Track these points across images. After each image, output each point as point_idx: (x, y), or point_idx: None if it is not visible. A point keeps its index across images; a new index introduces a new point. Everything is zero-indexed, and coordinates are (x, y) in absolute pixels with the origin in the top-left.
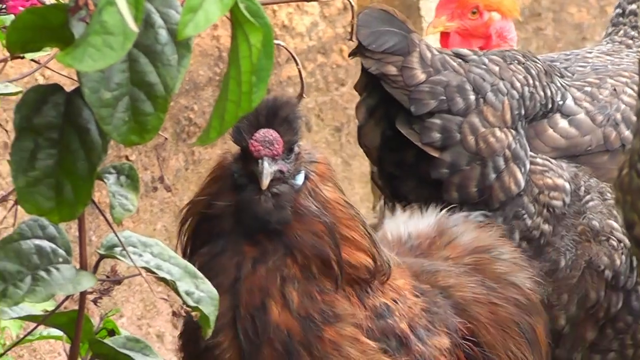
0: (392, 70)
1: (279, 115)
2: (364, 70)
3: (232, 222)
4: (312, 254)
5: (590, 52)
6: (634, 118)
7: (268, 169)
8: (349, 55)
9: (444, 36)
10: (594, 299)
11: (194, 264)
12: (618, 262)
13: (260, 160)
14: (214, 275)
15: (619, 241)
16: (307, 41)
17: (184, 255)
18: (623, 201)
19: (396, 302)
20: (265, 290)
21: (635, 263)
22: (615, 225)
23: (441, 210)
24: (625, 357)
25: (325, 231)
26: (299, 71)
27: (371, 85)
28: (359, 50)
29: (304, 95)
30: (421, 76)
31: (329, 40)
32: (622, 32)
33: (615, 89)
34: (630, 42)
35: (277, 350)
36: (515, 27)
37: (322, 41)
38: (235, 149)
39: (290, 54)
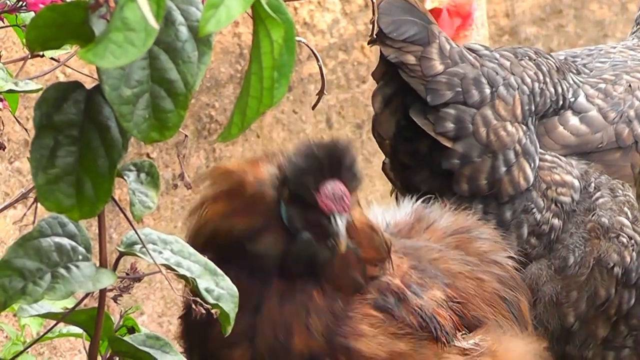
0: (411, 59)
1: (343, 165)
2: (382, 58)
3: (272, 262)
4: (341, 284)
5: (614, 48)
6: None
7: (343, 229)
8: (368, 44)
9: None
10: (604, 296)
11: None
12: (628, 259)
13: (332, 218)
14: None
15: (630, 238)
16: (329, 38)
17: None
18: None
19: (389, 263)
20: (288, 326)
21: None
22: (626, 222)
23: (423, 201)
24: None
25: (356, 261)
26: (320, 68)
27: (389, 74)
28: (379, 38)
29: (325, 92)
30: (439, 67)
31: (350, 37)
32: None
33: (630, 85)
34: None
35: None
36: (536, 24)
37: (344, 38)
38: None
39: (312, 50)
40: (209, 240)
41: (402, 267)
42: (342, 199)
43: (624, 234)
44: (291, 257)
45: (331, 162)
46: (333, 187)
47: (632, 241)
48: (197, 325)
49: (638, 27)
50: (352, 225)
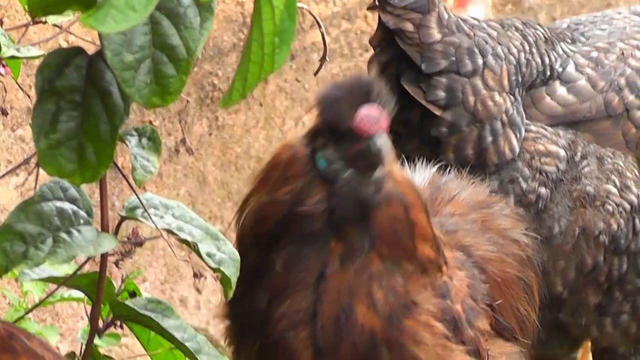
0: (409, 27)
1: (373, 90)
2: (380, 25)
3: (322, 219)
4: (393, 241)
5: (619, 13)
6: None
7: (385, 147)
8: (368, 9)
9: None
10: (591, 264)
11: (272, 262)
12: (615, 226)
13: (373, 139)
14: (297, 271)
15: (617, 205)
16: (332, 7)
17: (251, 251)
18: None
19: (451, 279)
20: (353, 291)
21: (639, 227)
22: (613, 189)
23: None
24: (639, 319)
25: (403, 215)
26: (322, 35)
27: (386, 41)
28: (379, 4)
29: (327, 59)
30: (437, 36)
31: (354, 6)
32: None
33: (623, 53)
34: None
35: (357, 349)
36: None
37: (347, 7)
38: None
39: (314, 17)
40: (257, 225)
41: (463, 289)
42: (378, 120)
43: (610, 202)
44: (338, 205)
45: (361, 89)
46: (368, 111)
47: (620, 208)
48: (254, 313)
49: None
50: (392, 175)
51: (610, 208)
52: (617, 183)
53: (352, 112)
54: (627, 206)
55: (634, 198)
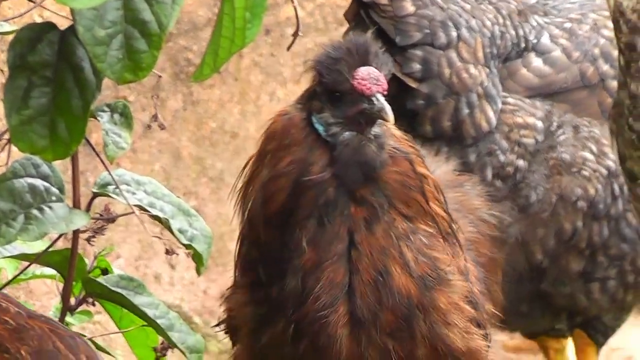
0: (384, 0)
1: (371, 52)
2: None
3: (333, 185)
4: (408, 198)
5: None
6: (614, 52)
7: (387, 104)
8: None
9: None
10: (570, 230)
11: (297, 241)
12: (592, 191)
13: (374, 97)
14: (325, 244)
15: (594, 171)
16: None
17: (266, 232)
18: (617, 133)
19: (466, 261)
20: (385, 252)
21: (618, 191)
22: (590, 156)
23: None
24: (627, 284)
25: (411, 170)
26: (295, 10)
27: (360, 15)
28: None
29: (300, 34)
30: (410, 8)
31: None
32: None
33: (596, 24)
34: None
35: (397, 315)
36: None
37: None
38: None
39: None
40: (266, 204)
41: (474, 272)
42: (378, 79)
43: (586, 168)
44: (344, 168)
45: (359, 50)
46: (367, 71)
47: (597, 174)
48: (285, 295)
49: None
50: (391, 132)
51: (587, 174)
52: (594, 150)
53: (351, 73)
54: (604, 171)
55: (611, 163)
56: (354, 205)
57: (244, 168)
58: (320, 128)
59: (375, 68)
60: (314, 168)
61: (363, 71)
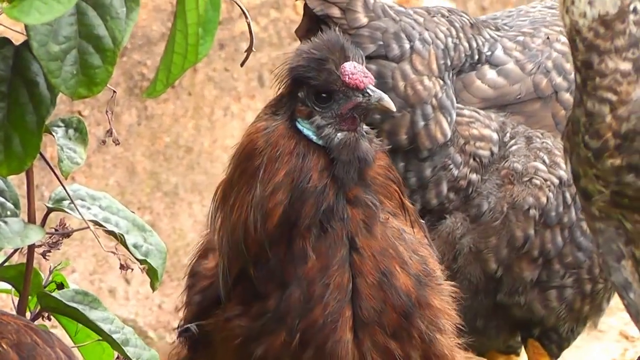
0: (336, 12)
1: (347, 47)
2: (306, 14)
3: (333, 188)
4: (389, 193)
5: (534, 7)
6: (567, 65)
7: (382, 93)
8: None
9: None
10: (522, 238)
11: (303, 248)
12: (544, 199)
13: (368, 89)
14: (329, 251)
15: (545, 180)
16: None
17: (272, 248)
18: (571, 152)
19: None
20: (385, 252)
21: (570, 200)
22: (541, 166)
23: None
24: (584, 293)
25: (389, 163)
26: (249, 25)
27: (312, 31)
28: None
29: (253, 49)
30: (363, 20)
31: None
32: None
33: (548, 37)
34: None
35: (399, 314)
36: None
37: None
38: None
39: (240, 7)
40: (264, 220)
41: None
42: (364, 72)
43: (537, 177)
44: (343, 170)
45: (336, 47)
46: (353, 65)
47: (548, 182)
48: (288, 306)
49: None
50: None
51: (538, 182)
52: (546, 160)
53: (339, 70)
54: (556, 181)
55: (563, 173)
56: (350, 208)
57: (216, 193)
58: (310, 133)
59: (357, 62)
60: (314, 175)
61: (349, 66)
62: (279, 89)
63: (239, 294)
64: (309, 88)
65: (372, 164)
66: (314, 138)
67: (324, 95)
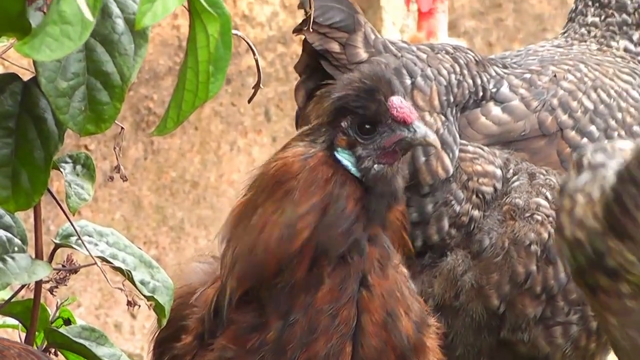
0: (336, 47)
1: (393, 81)
2: (305, 50)
3: (364, 220)
4: (401, 238)
5: (542, 47)
6: (573, 103)
7: (428, 129)
8: (294, 32)
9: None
10: (523, 274)
11: (319, 275)
12: (546, 235)
13: (414, 124)
14: (342, 282)
15: (547, 216)
16: (268, 31)
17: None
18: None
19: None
20: (393, 294)
21: None
22: (544, 202)
23: None
24: (590, 330)
25: (405, 209)
26: (256, 61)
27: (311, 67)
28: (306, 24)
29: (261, 86)
30: (364, 55)
31: (289, 30)
32: (572, 30)
33: (555, 75)
34: (581, 37)
35: (396, 356)
36: (475, 17)
37: (283, 31)
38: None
39: (248, 43)
40: (285, 243)
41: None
42: (410, 107)
43: (539, 213)
44: (375, 203)
45: (384, 79)
46: (399, 99)
47: (550, 218)
48: (293, 336)
49: (568, 25)
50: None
51: (540, 218)
52: (549, 196)
53: (387, 103)
54: None
55: None
56: (369, 245)
57: (236, 212)
58: (348, 164)
59: (403, 97)
60: (349, 204)
61: (396, 100)
62: (319, 117)
63: (231, 333)
64: (354, 118)
65: (400, 203)
66: (352, 169)
67: (367, 126)
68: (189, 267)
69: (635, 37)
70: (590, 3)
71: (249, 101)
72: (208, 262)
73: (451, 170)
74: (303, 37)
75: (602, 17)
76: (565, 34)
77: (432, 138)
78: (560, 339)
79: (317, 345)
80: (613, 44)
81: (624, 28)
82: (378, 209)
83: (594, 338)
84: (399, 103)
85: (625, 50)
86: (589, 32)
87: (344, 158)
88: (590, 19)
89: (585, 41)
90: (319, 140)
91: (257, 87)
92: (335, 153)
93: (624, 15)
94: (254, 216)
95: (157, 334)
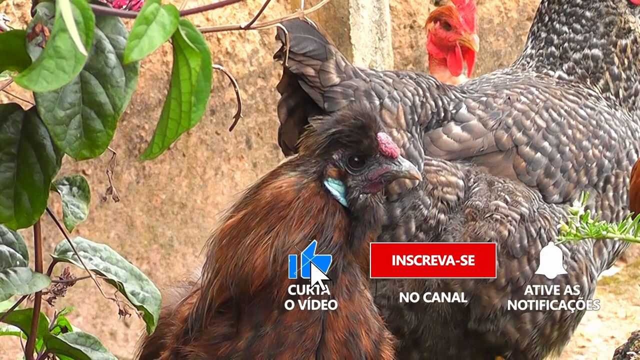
0: (311, 71)
1: (377, 119)
2: (285, 72)
3: (346, 249)
4: (365, 264)
5: (494, 74)
6: (527, 122)
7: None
8: (274, 57)
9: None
10: None
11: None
12: (506, 232)
13: (399, 159)
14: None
15: (506, 215)
16: (249, 66)
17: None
18: None
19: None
20: (356, 317)
21: (535, 234)
22: (502, 204)
23: None
24: (554, 319)
25: (373, 238)
26: (237, 94)
27: (292, 86)
28: (284, 52)
29: (242, 116)
30: (336, 79)
31: (268, 65)
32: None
33: (509, 98)
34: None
35: None
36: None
37: (262, 66)
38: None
39: (230, 78)
40: (275, 265)
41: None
42: (393, 143)
43: (498, 213)
44: (358, 232)
45: (371, 117)
46: (385, 135)
47: (509, 218)
48: (261, 347)
49: (520, 59)
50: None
51: (499, 217)
52: (507, 199)
53: (376, 138)
54: (517, 216)
55: (525, 210)
56: (341, 272)
57: (226, 230)
58: (338, 193)
59: (386, 133)
60: (335, 233)
61: (384, 136)
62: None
63: (204, 342)
64: (345, 152)
65: (376, 232)
66: (341, 199)
67: (357, 159)
68: (166, 291)
69: (564, 68)
70: (530, 35)
71: (231, 129)
72: (184, 287)
73: (417, 181)
74: (282, 63)
75: (536, 50)
76: (513, 65)
77: (415, 171)
78: (529, 325)
79: (284, 358)
80: (551, 73)
81: (551, 59)
82: (358, 237)
83: (557, 327)
84: (386, 139)
85: (560, 78)
86: (528, 62)
87: (334, 188)
88: (528, 51)
89: (526, 70)
90: (310, 170)
91: (237, 117)
92: (326, 183)
93: (552, 48)
94: (246, 236)
95: (140, 352)
